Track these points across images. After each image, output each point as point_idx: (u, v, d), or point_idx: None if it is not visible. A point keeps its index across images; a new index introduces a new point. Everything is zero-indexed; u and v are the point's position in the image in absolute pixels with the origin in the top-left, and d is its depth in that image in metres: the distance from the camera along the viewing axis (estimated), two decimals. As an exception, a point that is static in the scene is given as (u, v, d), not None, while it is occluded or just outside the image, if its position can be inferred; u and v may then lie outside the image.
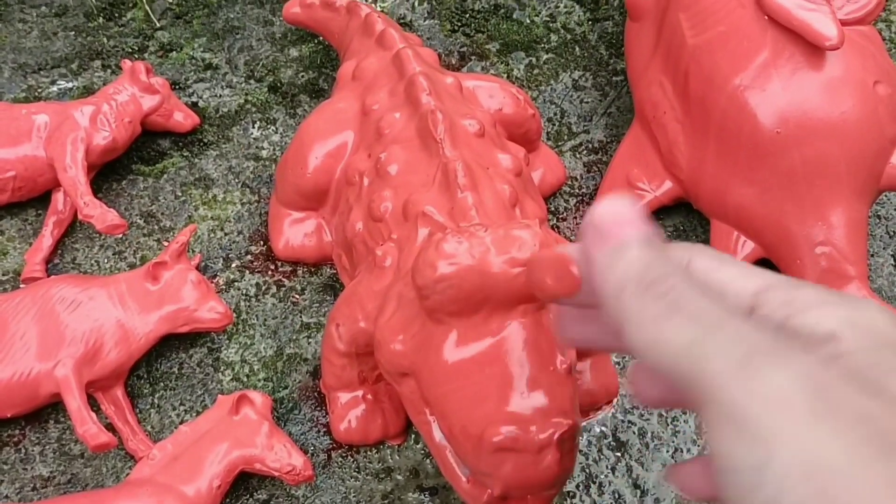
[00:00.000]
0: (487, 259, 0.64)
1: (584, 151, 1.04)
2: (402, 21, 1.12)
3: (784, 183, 0.86)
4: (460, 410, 0.66)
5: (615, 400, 0.88)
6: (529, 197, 0.83)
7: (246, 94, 1.07)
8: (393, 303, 0.73)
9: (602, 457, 0.85)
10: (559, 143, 1.04)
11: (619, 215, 0.35)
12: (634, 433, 0.86)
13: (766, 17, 0.85)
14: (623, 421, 0.87)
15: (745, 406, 0.27)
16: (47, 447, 0.86)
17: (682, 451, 0.85)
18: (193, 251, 0.95)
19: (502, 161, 0.82)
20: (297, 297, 0.94)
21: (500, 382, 0.65)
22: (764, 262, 0.91)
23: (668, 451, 0.86)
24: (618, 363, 0.90)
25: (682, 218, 0.99)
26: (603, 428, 0.87)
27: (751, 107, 0.86)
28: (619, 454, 0.85)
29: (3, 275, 0.95)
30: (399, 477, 0.85)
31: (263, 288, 0.94)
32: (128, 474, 0.81)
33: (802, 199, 0.86)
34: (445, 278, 0.64)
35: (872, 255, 0.96)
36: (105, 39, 1.10)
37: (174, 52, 1.10)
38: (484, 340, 0.66)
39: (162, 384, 0.89)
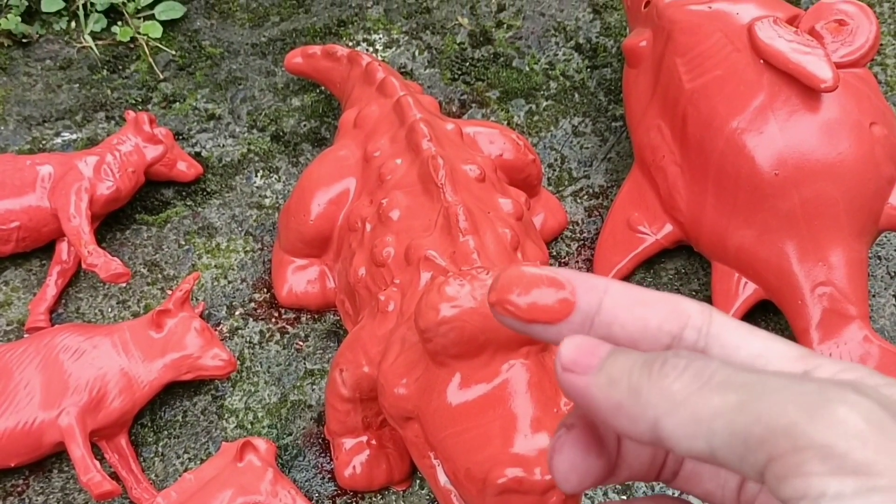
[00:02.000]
0: (489, 301, 0.64)
1: (585, 196, 1.04)
2: (402, 70, 1.13)
3: (783, 224, 0.87)
4: (465, 453, 0.66)
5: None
6: (531, 241, 0.84)
7: (249, 144, 1.08)
8: (396, 347, 0.73)
9: (608, 499, 0.85)
10: (560, 189, 1.05)
11: (584, 345, 0.30)
12: (639, 476, 0.86)
13: (761, 61, 0.87)
14: (628, 464, 0.87)
15: (834, 443, 0.26)
16: (51, 497, 0.86)
17: (687, 495, 0.85)
18: (197, 299, 0.95)
19: (503, 205, 0.83)
20: (301, 343, 0.94)
21: (504, 424, 0.66)
22: (765, 304, 0.92)
23: (673, 493, 0.85)
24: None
25: (684, 261, 1.00)
26: (608, 471, 0.87)
27: (749, 149, 0.86)
28: (625, 496, 0.85)
29: (8, 325, 0.95)
30: (404, 523, 0.85)
31: (267, 335, 0.94)
32: (132, 523, 0.81)
33: (802, 240, 0.87)
34: (448, 321, 0.64)
35: (874, 296, 0.97)
36: (109, 91, 1.12)
37: (177, 104, 1.11)
38: (487, 382, 0.67)
39: (166, 432, 0.89)
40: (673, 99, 0.93)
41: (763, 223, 0.88)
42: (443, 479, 0.71)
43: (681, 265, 1.00)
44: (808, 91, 0.85)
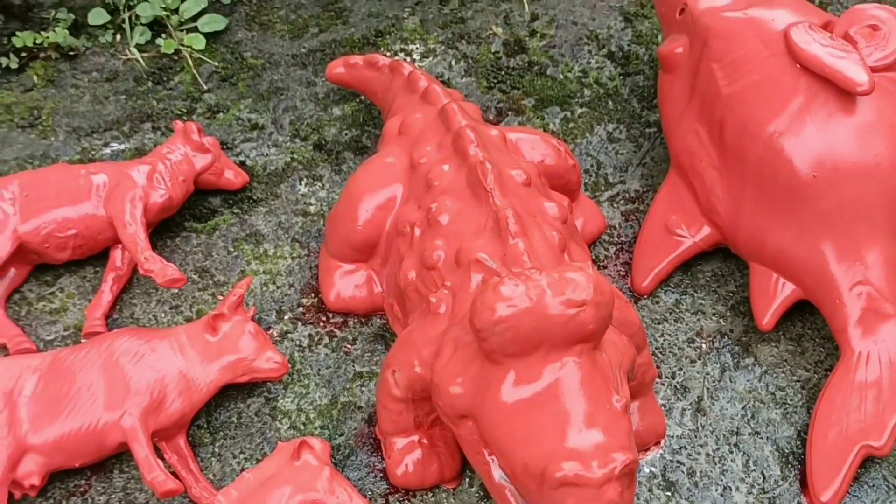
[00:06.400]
0: (544, 301, 0.67)
1: (622, 201, 1.07)
2: (440, 79, 1.16)
3: (821, 225, 0.89)
4: (521, 448, 0.68)
5: (663, 441, 0.90)
6: (575, 243, 0.86)
7: (292, 153, 1.10)
8: (450, 347, 0.75)
9: (653, 497, 0.87)
10: (596, 194, 1.07)
11: None
12: (683, 472, 0.88)
13: (798, 66, 0.89)
14: (672, 461, 0.89)
15: None
16: (113, 496, 0.88)
17: (730, 489, 0.87)
18: (247, 304, 0.98)
19: (549, 209, 0.85)
20: (350, 347, 0.96)
21: (559, 420, 0.68)
22: (803, 303, 0.94)
23: (717, 490, 0.87)
24: (664, 405, 0.92)
25: (721, 263, 1.02)
26: (652, 468, 0.89)
27: (786, 152, 0.88)
28: (668, 493, 0.87)
29: (65, 330, 0.97)
30: (455, 519, 0.87)
31: (316, 339, 0.97)
32: (192, 521, 0.84)
33: (840, 241, 0.89)
34: (504, 320, 0.67)
35: (908, 295, 0.98)
36: (154, 102, 1.14)
37: (221, 114, 1.14)
38: (541, 380, 0.69)
39: (222, 433, 0.91)
40: (710, 104, 0.95)
41: (801, 224, 0.90)
42: (497, 474, 0.73)
43: (717, 267, 1.02)
44: (844, 94, 0.87)
